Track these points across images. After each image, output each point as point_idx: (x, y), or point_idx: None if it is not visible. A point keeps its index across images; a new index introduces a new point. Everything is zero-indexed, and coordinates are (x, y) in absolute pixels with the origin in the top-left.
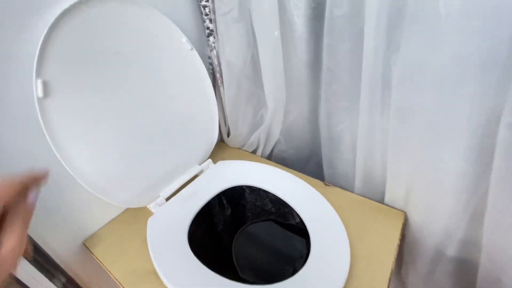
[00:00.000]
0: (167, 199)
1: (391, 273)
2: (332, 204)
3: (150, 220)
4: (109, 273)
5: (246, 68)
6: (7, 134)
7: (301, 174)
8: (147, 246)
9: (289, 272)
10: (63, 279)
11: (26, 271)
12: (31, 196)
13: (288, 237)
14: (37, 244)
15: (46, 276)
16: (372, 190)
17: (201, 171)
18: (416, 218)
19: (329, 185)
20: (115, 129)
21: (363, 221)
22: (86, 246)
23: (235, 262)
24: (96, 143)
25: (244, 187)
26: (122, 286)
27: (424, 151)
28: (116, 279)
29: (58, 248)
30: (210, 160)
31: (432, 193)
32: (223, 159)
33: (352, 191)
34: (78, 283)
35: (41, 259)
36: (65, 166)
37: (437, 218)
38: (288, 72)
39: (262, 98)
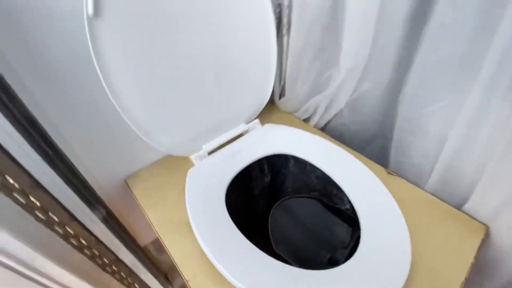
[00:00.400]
0: (209, 153)
1: None
2: (394, 196)
3: (190, 172)
4: (146, 215)
5: (323, 14)
6: (55, 51)
7: (359, 155)
8: (185, 196)
9: (326, 259)
10: (104, 212)
11: (71, 199)
12: None
13: (332, 222)
14: (82, 175)
15: (88, 206)
16: (451, 191)
17: (247, 131)
18: (503, 237)
19: (393, 174)
20: (166, 68)
21: (430, 225)
22: (127, 184)
23: (270, 234)
24: (145, 80)
25: (289, 156)
26: (157, 232)
27: None
28: (152, 224)
29: (102, 181)
30: (257, 120)
31: None
32: (271, 122)
33: (422, 188)
34: (117, 217)
35: (84, 190)
36: (111, 98)
37: None
38: (379, 24)
39: (335, 55)
